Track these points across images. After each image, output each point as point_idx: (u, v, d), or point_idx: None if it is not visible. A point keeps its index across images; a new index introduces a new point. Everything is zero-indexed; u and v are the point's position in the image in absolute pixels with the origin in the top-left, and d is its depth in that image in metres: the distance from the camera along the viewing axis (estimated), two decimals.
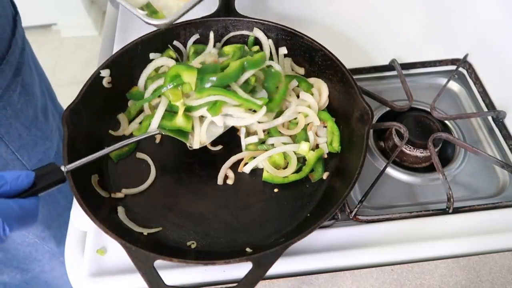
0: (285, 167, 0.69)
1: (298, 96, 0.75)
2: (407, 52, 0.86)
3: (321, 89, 0.76)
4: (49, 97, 0.96)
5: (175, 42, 0.79)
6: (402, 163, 0.74)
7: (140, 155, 0.71)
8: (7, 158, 0.81)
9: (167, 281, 0.52)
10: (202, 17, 0.79)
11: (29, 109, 0.83)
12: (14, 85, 0.77)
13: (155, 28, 0.76)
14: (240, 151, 0.71)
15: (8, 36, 0.76)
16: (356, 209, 0.65)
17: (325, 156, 0.71)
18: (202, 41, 0.80)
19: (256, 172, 0.70)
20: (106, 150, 0.62)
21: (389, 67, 0.84)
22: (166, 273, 0.55)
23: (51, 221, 0.95)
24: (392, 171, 0.73)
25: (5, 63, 0.74)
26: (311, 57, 0.76)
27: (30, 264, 0.98)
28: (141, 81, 0.77)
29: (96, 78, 0.71)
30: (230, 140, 0.72)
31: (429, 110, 0.76)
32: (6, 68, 0.74)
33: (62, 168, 0.54)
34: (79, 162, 0.58)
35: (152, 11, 0.70)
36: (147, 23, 0.64)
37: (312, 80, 0.77)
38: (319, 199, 0.67)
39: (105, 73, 0.72)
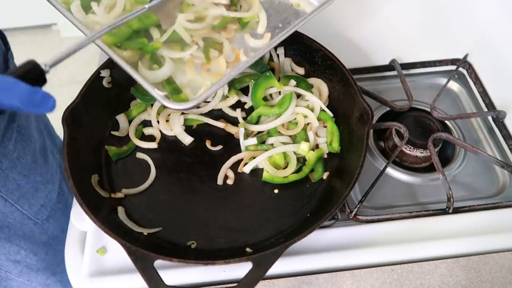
0: (285, 167, 0.69)
1: (298, 96, 0.75)
2: (407, 52, 0.86)
3: (321, 90, 0.76)
4: (47, 135, 0.89)
5: None
6: (402, 163, 0.74)
7: (140, 155, 0.71)
8: (6, 211, 0.75)
9: (167, 281, 0.52)
10: None
11: (26, 155, 0.76)
12: (9, 134, 0.72)
13: None
14: (240, 151, 0.71)
15: (1, 65, 0.69)
16: (356, 209, 0.65)
17: (325, 156, 0.71)
18: None
19: (256, 172, 0.70)
20: (94, 34, 0.53)
21: (389, 67, 0.84)
22: (166, 273, 0.55)
23: (56, 267, 0.91)
24: (392, 171, 0.73)
25: None
26: (311, 57, 0.76)
27: None
28: None
29: (96, 78, 0.71)
30: (230, 140, 0.72)
31: (429, 110, 0.76)
32: None
33: (42, 66, 0.46)
34: (60, 57, 0.49)
35: (173, 89, 0.61)
36: (166, 107, 0.57)
37: (312, 80, 0.77)
38: (319, 199, 0.67)
39: (105, 73, 0.72)
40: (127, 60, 0.58)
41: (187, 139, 0.72)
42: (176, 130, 0.73)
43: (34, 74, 0.45)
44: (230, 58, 0.64)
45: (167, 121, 0.74)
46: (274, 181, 0.68)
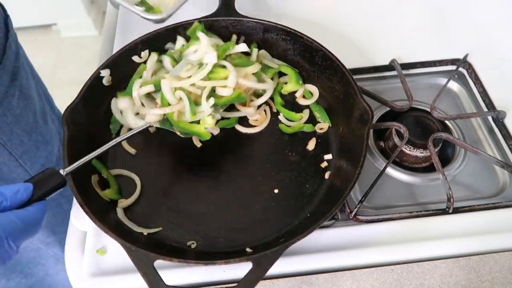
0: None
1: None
2: (407, 52, 0.86)
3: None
4: (46, 101, 0.95)
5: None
6: (402, 163, 0.74)
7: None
8: (11, 165, 0.80)
9: (167, 281, 0.52)
10: (202, 17, 0.79)
11: (28, 113, 0.82)
12: (12, 90, 0.77)
13: (155, 28, 0.76)
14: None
15: (1, 41, 0.75)
16: (356, 209, 0.65)
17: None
18: None
19: (257, 171, 0.70)
20: (101, 149, 0.61)
21: (389, 67, 0.84)
22: (166, 273, 0.55)
23: (55, 226, 0.94)
24: (392, 171, 0.72)
25: (1, 69, 0.73)
26: (311, 57, 0.76)
27: (34, 268, 0.98)
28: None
29: (96, 78, 0.71)
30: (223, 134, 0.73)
31: (429, 110, 0.76)
32: (3, 74, 0.74)
33: (61, 171, 0.53)
34: (77, 164, 0.57)
35: (148, 7, 0.73)
36: (144, 18, 0.68)
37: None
38: (319, 199, 0.67)
39: (105, 72, 0.72)
40: None
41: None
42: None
43: (54, 181, 0.52)
44: None
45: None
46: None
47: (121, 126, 0.73)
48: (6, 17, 0.79)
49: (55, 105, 1.04)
